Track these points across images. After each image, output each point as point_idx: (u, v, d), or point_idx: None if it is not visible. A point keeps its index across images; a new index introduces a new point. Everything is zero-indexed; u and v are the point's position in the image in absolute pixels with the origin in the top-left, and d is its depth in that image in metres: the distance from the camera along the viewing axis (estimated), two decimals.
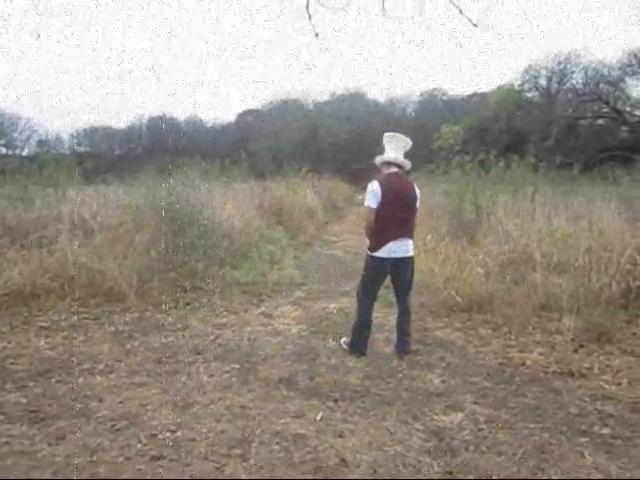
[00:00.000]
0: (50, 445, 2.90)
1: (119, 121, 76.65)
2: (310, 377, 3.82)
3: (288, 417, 3.20)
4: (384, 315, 5.42)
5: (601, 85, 32.75)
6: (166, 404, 3.38)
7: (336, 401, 3.42)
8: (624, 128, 33.35)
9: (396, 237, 4.10)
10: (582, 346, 4.41)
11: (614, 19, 61.94)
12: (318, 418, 3.18)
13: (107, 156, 43.26)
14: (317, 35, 4.74)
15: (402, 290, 4.34)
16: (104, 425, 3.13)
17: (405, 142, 4.28)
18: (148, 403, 3.40)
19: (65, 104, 66.10)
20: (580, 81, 34.41)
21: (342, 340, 4.54)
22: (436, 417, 3.18)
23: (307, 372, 3.92)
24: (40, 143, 41.08)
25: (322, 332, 4.91)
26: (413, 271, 4.32)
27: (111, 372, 3.96)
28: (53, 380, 3.81)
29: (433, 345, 4.56)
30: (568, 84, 35.10)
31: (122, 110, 74.15)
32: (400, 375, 3.87)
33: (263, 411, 3.27)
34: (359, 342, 4.29)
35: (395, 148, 4.24)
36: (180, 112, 51.86)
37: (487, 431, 3.00)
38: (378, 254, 4.14)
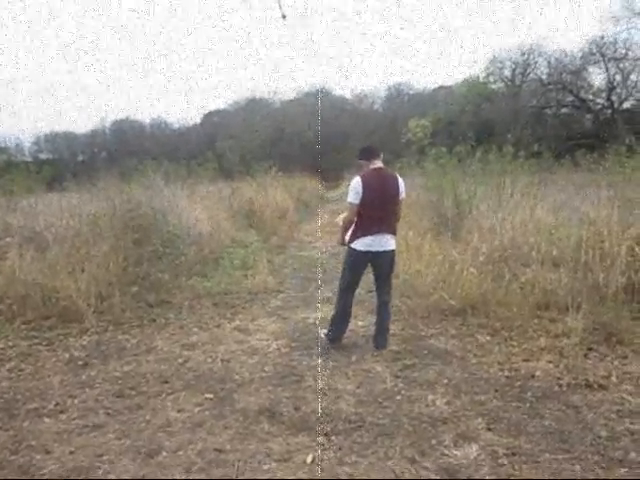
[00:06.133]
0: None
1: (81, 126, 74.25)
2: (295, 406, 3.30)
3: (273, 461, 2.68)
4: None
5: (564, 74, 32.99)
6: (126, 452, 2.84)
7: (328, 436, 2.92)
8: (588, 116, 33.82)
9: (375, 232, 4.15)
10: (591, 349, 4.01)
11: (575, 8, 62.85)
12: (309, 461, 2.67)
13: (70, 162, 41.74)
14: (284, 17, 4.20)
15: (380, 283, 4.39)
16: None
17: None
18: (105, 452, 2.84)
19: (26, 110, 63.57)
20: (544, 71, 34.66)
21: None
22: (447, 451, 2.70)
23: (291, 399, 3.40)
24: None
25: (305, 348, 4.37)
26: (392, 265, 4.36)
27: (62, 412, 3.38)
28: None
29: (429, 357, 4.08)
30: (532, 74, 35.31)
31: (84, 115, 71.76)
32: (398, 397, 3.37)
33: (243, 455, 2.75)
34: (336, 333, 4.39)
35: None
36: (145, 115, 50.54)
37: (509, 467, 2.53)
38: (356, 247, 4.20)
